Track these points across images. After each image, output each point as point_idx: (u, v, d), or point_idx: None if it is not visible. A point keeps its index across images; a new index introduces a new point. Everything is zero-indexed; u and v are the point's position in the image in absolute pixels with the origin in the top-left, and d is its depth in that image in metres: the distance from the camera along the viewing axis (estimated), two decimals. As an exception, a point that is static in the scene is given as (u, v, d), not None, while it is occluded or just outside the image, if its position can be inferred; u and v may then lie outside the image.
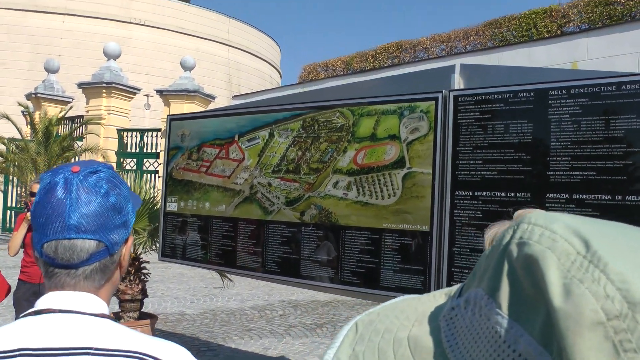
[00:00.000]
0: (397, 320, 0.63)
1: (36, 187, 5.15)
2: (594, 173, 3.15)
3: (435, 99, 3.73)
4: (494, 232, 1.69)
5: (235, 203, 4.80)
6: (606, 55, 10.44)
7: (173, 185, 5.33)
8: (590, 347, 0.44)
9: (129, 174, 16.00)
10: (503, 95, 3.50)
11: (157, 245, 5.50)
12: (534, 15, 13.41)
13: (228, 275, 6.02)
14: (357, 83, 4.59)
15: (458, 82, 3.89)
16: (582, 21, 12.38)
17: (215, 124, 5.04)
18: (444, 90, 3.72)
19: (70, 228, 1.16)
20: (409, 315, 0.63)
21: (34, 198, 4.82)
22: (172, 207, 5.31)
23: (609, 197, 3.10)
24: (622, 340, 0.43)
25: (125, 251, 1.30)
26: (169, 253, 5.28)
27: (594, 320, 0.44)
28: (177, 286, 10.82)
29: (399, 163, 3.84)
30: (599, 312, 0.44)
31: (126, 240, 1.29)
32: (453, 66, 3.94)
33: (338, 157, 4.15)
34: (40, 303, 1.19)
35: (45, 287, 1.21)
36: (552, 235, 0.48)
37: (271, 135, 4.59)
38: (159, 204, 5.81)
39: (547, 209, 3.26)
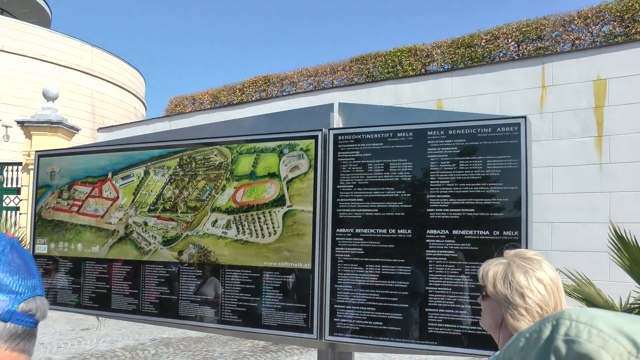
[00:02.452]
0: None
1: None
2: (472, 210, 3.29)
3: (315, 137, 3.78)
4: (493, 272, 1.73)
5: (109, 244, 4.60)
6: (470, 94, 11.06)
7: (42, 226, 5.04)
8: None
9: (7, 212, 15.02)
10: (383, 134, 3.60)
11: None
12: (399, 53, 13.99)
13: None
14: (235, 120, 4.56)
15: (337, 120, 3.96)
16: (445, 61, 13.07)
17: (87, 161, 4.84)
18: (323, 129, 3.77)
19: (39, 286, 1.19)
20: None
21: None
22: (42, 249, 5.01)
23: (487, 232, 3.25)
24: None
25: None
26: (36, 297, 4.96)
27: None
28: (42, 330, 10.19)
29: (279, 201, 3.85)
30: None
31: None
32: (332, 105, 4.01)
33: (217, 195, 4.09)
34: None
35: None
36: (601, 334, 0.52)
37: (146, 172, 4.46)
38: (26, 246, 5.48)
39: (428, 245, 3.37)
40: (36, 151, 5.19)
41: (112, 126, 22.27)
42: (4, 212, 14.57)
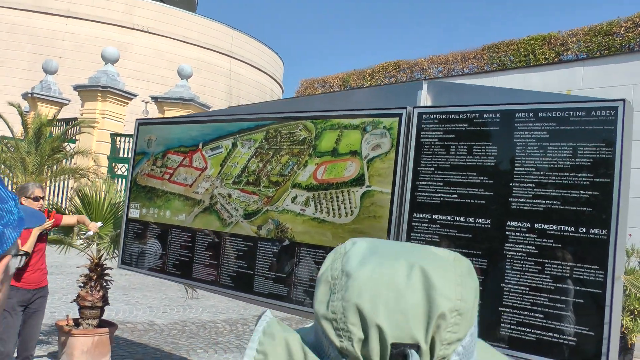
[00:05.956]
0: None
1: (39, 192, 4.99)
2: (558, 202, 2.97)
3: (399, 115, 3.56)
4: None
5: (195, 213, 4.62)
6: (601, 86, 10.29)
7: (137, 191, 5.15)
8: (320, 292, 0.85)
9: (118, 179, 15.84)
10: (468, 115, 3.33)
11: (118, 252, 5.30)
12: (532, 42, 13.27)
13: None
14: (322, 96, 4.43)
15: (425, 99, 3.72)
16: (580, 50, 12.23)
17: (181, 131, 4.88)
18: (408, 107, 3.55)
19: None
20: None
21: (37, 203, 4.54)
22: (135, 213, 5.13)
23: (572, 228, 2.92)
24: (334, 285, 0.82)
25: None
26: (128, 261, 5.09)
27: (326, 279, 0.85)
28: (154, 295, 10.61)
29: (359, 180, 3.67)
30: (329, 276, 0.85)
31: None
32: (420, 82, 3.78)
33: (298, 171, 3.98)
34: None
35: None
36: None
37: (234, 145, 4.42)
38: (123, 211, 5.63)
39: (507, 238, 3.08)
40: (137, 119, 5.30)
41: (241, 106, 22.85)
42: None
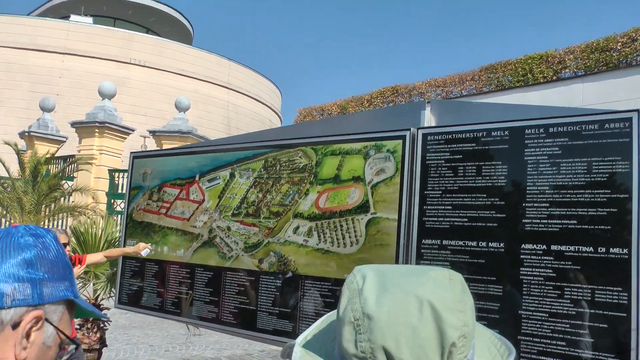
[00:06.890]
0: None
1: (64, 238, 4.71)
2: (575, 222, 2.80)
3: (403, 138, 3.41)
4: None
5: (193, 248, 4.44)
6: (602, 102, 10.19)
7: (133, 227, 4.98)
8: (346, 331, 0.91)
9: (118, 216, 15.64)
10: (476, 133, 3.18)
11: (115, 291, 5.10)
12: (530, 61, 13.21)
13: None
14: (321, 121, 4.28)
15: (429, 119, 3.57)
16: (578, 67, 12.15)
17: (177, 163, 4.72)
18: (412, 128, 3.39)
19: None
20: None
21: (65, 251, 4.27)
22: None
23: (591, 249, 2.75)
24: (357, 326, 0.90)
25: (29, 328, 1.04)
26: (126, 300, 4.90)
27: (349, 320, 0.91)
28: (156, 333, 10.36)
29: (363, 207, 3.50)
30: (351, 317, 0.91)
31: (29, 310, 1.04)
32: (423, 102, 3.63)
33: (299, 200, 3.81)
34: None
35: None
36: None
37: (232, 175, 4.26)
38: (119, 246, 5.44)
39: (522, 262, 2.91)
40: (131, 152, 5.15)
41: (237, 135, 22.74)
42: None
